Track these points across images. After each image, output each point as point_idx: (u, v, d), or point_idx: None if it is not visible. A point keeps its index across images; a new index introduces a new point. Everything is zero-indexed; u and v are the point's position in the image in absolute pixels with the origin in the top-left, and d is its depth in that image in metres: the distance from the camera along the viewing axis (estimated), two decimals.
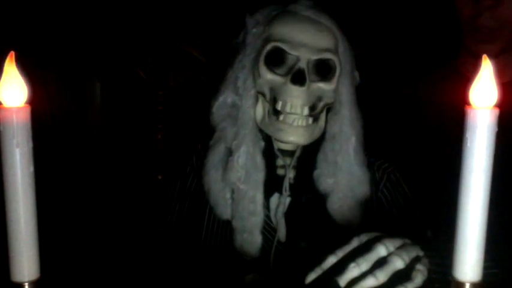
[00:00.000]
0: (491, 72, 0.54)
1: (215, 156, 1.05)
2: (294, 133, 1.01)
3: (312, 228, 1.05)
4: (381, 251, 0.72)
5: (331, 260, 0.73)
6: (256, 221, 1.03)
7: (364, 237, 0.76)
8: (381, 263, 0.71)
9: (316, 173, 1.04)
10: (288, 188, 1.05)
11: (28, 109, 0.52)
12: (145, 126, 1.60)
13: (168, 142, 1.51)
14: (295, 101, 0.99)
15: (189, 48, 1.46)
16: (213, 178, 1.04)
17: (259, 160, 1.03)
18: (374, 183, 1.08)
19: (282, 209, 1.05)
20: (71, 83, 1.79)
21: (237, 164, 1.01)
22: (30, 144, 0.53)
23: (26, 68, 0.55)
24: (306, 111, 1.00)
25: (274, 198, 1.07)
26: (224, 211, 1.05)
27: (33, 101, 0.54)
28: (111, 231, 1.66)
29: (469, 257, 0.55)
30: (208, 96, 1.07)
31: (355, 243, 0.76)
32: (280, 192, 1.05)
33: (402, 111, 1.27)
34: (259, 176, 1.03)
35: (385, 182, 1.10)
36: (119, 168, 1.80)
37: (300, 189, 1.06)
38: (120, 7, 1.72)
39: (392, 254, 0.72)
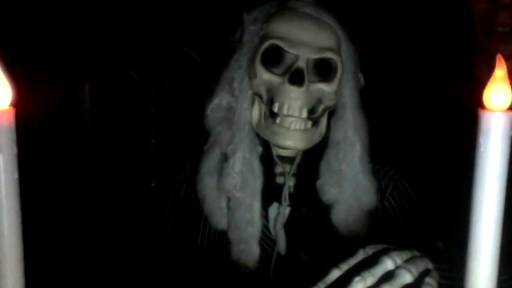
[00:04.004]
0: (505, 73, 0.54)
1: (210, 162, 1.04)
2: (291, 137, 1.00)
3: (314, 240, 1.05)
4: (387, 264, 0.72)
5: (335, 274, 0.73)
6: (253, 231, 1.02)
7: (370, 250, 0.76)
8: (387, 277, 0.71)
9: (319, 182, 1.04)
10: (287, 198, 1.04)
11: (12, 112, 0.52)
12: (138, 130, 1.59)
13: (162, 147, 1.50)
14: (293, 103, 0.98)
15: (185, 47, 1.46)
16: (208, 185, 1.03)
17: (257, 166, 1.02)
18: (379, 191, 1.07)
19: (281, 219, 1.05)
20: (58, 83, 1.78)
21: (232, 170, 1.01)
22: (15, 150, 0.52)
23: (10, 68, 0.55)
24: (304, 113, 0.99)
25: (273, 208, 1.06)
26: (220, 220, 1.04)
27: (18, 103, 0.54)
28: (101, 243, 1.65)
29: (483, 270, 0.55)
30: (204, 98, 1.07)
31: (360, 255, 0.75)
32: (280, 202, 1.05)
33: (410, 114, 1.27)
34: (257, 183, 1.02)
35: (391, 190, 1.09)
36: (109, 175, 1.80)
37: (300, 198, 1.05)
38: (111, 4, 1.72)
39: (399, 268, 0.72)
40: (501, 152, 0.52)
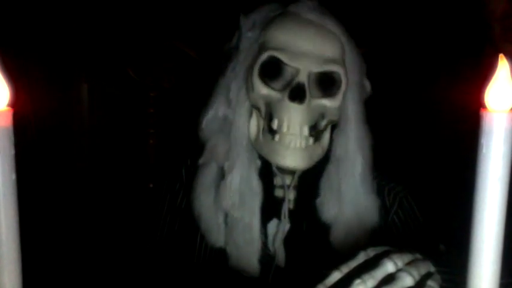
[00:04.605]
0: (509, 73, 0.54)
1: (206, 178, 1.01)
2: (291, 156, 0.96)
3: (314, 258, 1.02)
4: (388, 266, 0.71)
5: (335, 276, 0.73)
6: (252, 250, 0.99)
7: (371, 252, 0.76)
8: (388, 279, 0.70)
9: (318, 200, 1.01)
10: (287, 214, 1.01)
11: (10, 112, 0.52)
12: (136, 131, 1.59)
13: (161, 148, 1.50)
14: (294, 120, 0.94)
15: (185, 47, 1.45)
16: (204, 203, 1.00)
17: (255, 183, 0.99)
18: (384, 209, 1.05)
19: (281, 236, 1.02)
20: (56, 84, 1.78)
21: (230, 188, 0.97)
22: (13, 151, 0.52)
23: (8, 68, 0.55)
24: (305, 131, 0.95)
25: (272, 225, 1.03)
26: (217, 238, 1.01)
27: (16, 104, 0.54)
28: (100, 244, 1.65)
29: (485, 273, 0.55)
30: (203, 98, 1.05)
31: (361, 258, 0.75)
32: (279, 218, 1.02)
33: (413, 115, 1.27)
34: (255, 200, 0.99)
35: (396, 208, 1.07)
36: (107, 176, 1.80)
37: (300, 215, 1.02)
38: (110, 4, 1.73)
39: (401, 270, 0.71)
40: (503, 153, 0.52)
